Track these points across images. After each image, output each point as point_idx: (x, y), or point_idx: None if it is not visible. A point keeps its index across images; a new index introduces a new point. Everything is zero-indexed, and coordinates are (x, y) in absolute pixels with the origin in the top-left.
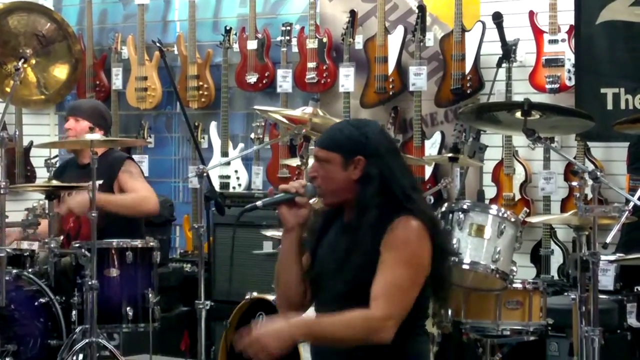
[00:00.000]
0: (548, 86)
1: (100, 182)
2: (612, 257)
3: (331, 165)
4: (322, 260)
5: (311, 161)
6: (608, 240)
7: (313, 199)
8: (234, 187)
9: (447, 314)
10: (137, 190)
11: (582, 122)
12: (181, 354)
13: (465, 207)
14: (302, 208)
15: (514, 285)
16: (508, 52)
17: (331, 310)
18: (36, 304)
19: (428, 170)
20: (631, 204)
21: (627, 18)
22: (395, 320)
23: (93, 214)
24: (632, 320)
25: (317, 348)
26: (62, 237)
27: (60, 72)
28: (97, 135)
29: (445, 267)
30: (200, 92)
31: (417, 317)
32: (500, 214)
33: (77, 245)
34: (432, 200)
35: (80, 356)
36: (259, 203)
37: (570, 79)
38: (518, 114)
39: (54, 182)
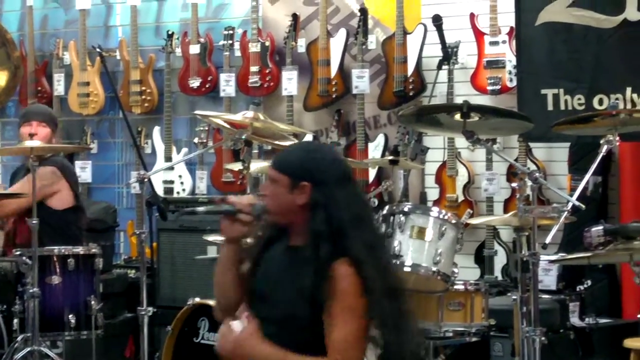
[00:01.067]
0: (489, 88)
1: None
2: (553, 257)
3: (279, 187)
4: (263, 276)
5: (253, 165)
6: (547, 240)
7: (259, 218)
8: (178, 192)
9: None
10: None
11: (522, 124)
12: None
13: (406, 209)
14: (243, 225)
15: (456, 286)
16: (449, 54)
17: (268, 330)
18: None
19: (372, 173)
20: (570, 204)
21: (565, 19)
22: None
23: (33, 221)
24: (574, 320)
25: None
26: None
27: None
28: (38, 142)
29: (380, 305)
30: (143, 97)
31: None
32: (440, 216)
33: (18, 252)
34: (376, 203)
35: None
36: (200, 208)
37: (511, 80)
38: (457, 116)
39: None
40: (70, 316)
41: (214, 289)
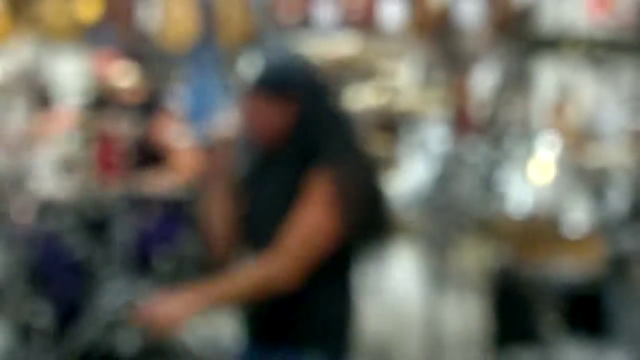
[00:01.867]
0: (610, 16)
1: None
2: None
3: (265, 106)
4: (252, 200)
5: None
6: None
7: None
8: None
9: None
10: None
11: None
12: None
13: (520, 148)
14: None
15: (572, 231)
16: None
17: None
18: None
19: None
20: None
21: None
22: (299, 271)
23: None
24: None
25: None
26: None
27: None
28: None
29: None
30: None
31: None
32: (559, 154)
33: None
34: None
35: None
36: None
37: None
38: (574, 49)
39: None
40: (165, 261)
41: (208, 228)
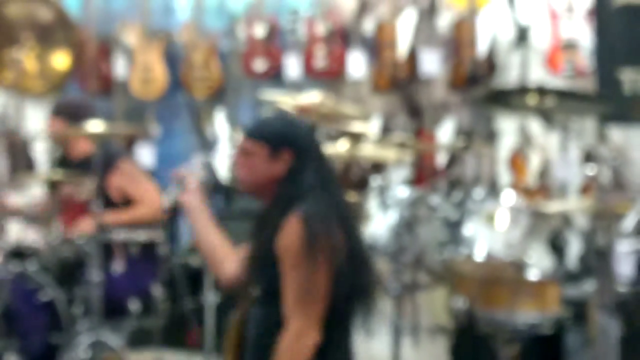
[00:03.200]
0: (564, 70)
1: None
2: (631, 245)
3: (256, 157)
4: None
5: None
6: (625, 227)
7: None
8: None
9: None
10: (135, 199)
11: (598, 107)
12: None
13: (479, 196)
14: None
15: (530, 275)
16: (522, 35)
17: (255, 308)
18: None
19: (442, 158)
20: None
21: None
22: (314, 321)
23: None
24: None
25: None
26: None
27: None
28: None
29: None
30: (207, 81)
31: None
32: (514, 203)
33: (80, 239)
34: (447, 189)
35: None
36: None
37: (587, 62)
38: (532, 99)
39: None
40: (133, 304)
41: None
